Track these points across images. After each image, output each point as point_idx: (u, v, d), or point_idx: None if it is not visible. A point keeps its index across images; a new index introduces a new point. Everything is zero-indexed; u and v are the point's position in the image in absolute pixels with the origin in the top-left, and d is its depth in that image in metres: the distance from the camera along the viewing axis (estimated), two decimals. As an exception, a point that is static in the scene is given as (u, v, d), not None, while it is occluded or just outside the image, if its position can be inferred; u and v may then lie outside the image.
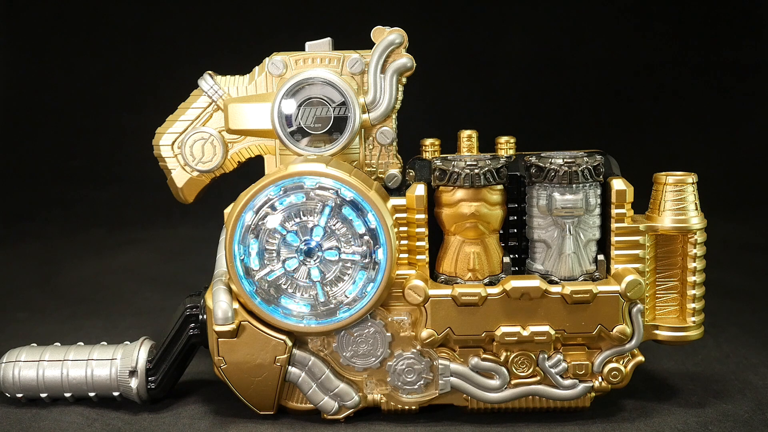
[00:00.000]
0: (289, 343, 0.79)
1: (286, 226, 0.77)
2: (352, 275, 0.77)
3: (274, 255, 0.77)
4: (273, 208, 0.77)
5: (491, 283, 0.78)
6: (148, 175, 1.12)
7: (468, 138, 0.83)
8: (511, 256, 0.82)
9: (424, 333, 0.78)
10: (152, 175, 0.98)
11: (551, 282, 0.78)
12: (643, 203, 0.80)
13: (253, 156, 0.84)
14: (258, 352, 0.79)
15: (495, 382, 0.79)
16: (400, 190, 0.82)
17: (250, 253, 0.77)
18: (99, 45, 1.99)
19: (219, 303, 0.77)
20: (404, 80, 0.81)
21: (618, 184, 0.78)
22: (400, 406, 0.81)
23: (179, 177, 0.85)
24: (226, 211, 0.78)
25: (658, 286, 0.82)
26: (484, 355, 0.79)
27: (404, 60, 0.80)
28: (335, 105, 0.79)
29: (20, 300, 1.24)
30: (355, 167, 0.81)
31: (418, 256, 0.79)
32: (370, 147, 0.82)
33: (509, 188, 0.80)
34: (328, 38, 0.82)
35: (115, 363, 0.84)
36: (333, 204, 0.76)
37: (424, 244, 0.79)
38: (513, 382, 0.79)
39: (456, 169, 0.76)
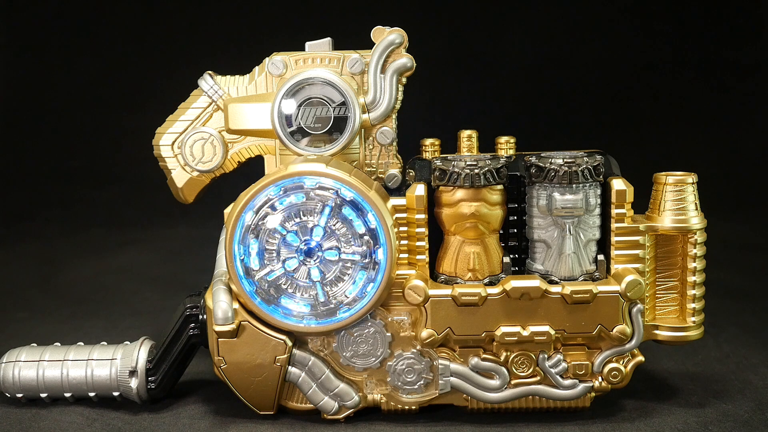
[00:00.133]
0: (289, 343, 0.79)
1: (286, 226, 0.77)
2: (352, 275, 0.77)
3: (274, 255, 0.77)
4: (273, 208, 0.77)
5: (491, 283, 0.78)
6: (148, 175, 1.11)
7: (468, 138, 0.83)
8: (511, 256, 0.82)
9: (424, 333, 0.78)
10: (152, 175, 0.98)
11: (551, 282, 0.78)
12: (643, 203, 0.80)
13: (253, 156, 0.84)
14: (258, 352, 0.79)
15: (495, 382, 0.79)
16: (400, 190, 0.82)
17: (250, 253, 0.77)
18: (99, 45, 1.99)
19: (219, 303, 0.77)
20: (404, 80, 0.81)
21: (618, 184, 0.78)
22: (400, 406, 0.81)
23: (179, 177, 0.85)
24: (226, 211, 0.78)
25: (658, 286, 0.82)
26: (484, 355, 0.79)
27: (404, 60, 0.80)
28: (335, 105, 0.79)
29: (20, 300, 1.24)
30: (355, 167, 0.81)
31: (418, 256, 0.79)
32: (370, 147, 0.82)
33: (509, 188, 0.80)
34: (328, 38, 0.82)
35: (115, 363, 0.84)
36: (333, 204, 0.76)
37: (424, 244, 0.79)
38: (513, 382, 0.79)
39: (456, 169, 0.76)
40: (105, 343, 0.88)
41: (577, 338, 0.78)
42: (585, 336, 0.78)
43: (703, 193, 0.80)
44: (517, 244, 0.83)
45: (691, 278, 0.80)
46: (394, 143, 0.82)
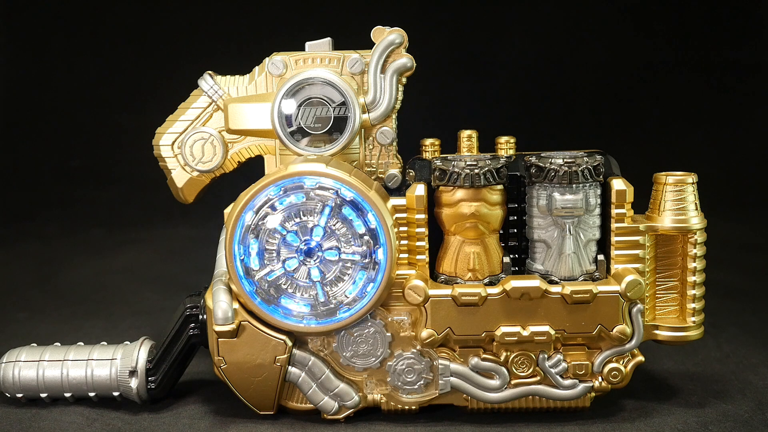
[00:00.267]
0: (289, 343, 0.79)
1: (286, 226, 0.77)
2: (352, 275, 0.77)
3: (274, 255, 0.77)
4: (273, 208, 0.77)
5: (491, 283, 0.78)
6: (148, 175, 1.12)
7: (468, 138, 0.83)
8: (511, 256, 0.82)
9: (424, 333, 0.78)
10: (152, 175, 0.98)
11: (551, 282, 0.78)
12: (643, 203, 0.80)
13: (253, 156, 0.84)
14: (258, 352, 0.79)
15: (495, 382, 0.79)
16: (400, 190, 0.82)
17: (250, 253, 0.77)
18: (99, 45, 1.99)
19: (219, 303, 0.77)
20: (404, 80, 0.81)
21: (618, 184, 0.78)
22: (400, 406, 0.81)
23: (179, 177, 0.85)
24: (226, 211, 0.78)
25: (658, 286, 0.82)
26: (484, 355, 0.79)
27: (404, 60, 0.80)
28: (335, 105, 0.79)
29: (20, 300, 1.24)
30: (355, 167, 0.81)
31: (418, 256, 0.79)
32: (370, 147, 0.82)
33: (509, 188, 0.80)
34: (328, 38, 0.82)
35: (115, 363, 0.84)
36: (333, 204, 0.76)
37: (424, 244, 0.79)
38: (513, 382, 0.79)
39: (456, 169, 0.76)
40: (105, 343, 0.88)
41: (577, 338, 0.78)
42: (585, 336, 0.78)
43: (703, 193, 0.80)
44: (517, 244, 0.83)
45: (691, 278, 0.80)
46: (394, 143, 0.82)
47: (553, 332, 0.77)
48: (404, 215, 0.79)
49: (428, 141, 0.83)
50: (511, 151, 0.83)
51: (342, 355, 0.80)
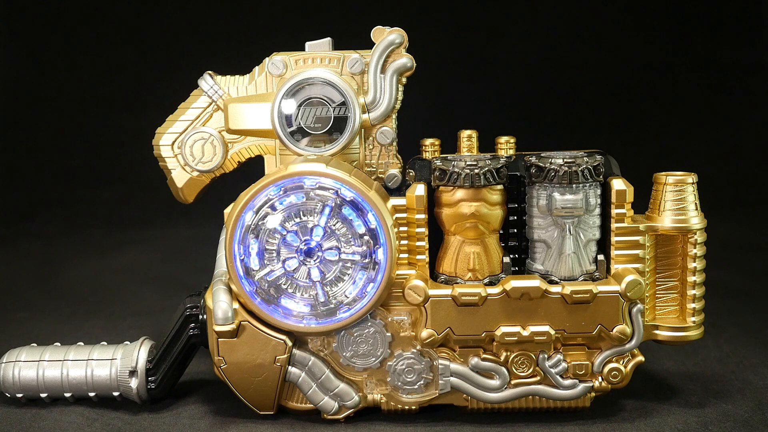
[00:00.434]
0: (289, 343, 0.79)
1: (286, 226, 0.77)
2: (352, 275, 0.77)
3: (274, 255, 0.77)
4: (273, 208, 0.77)
5: (491, 283, 0.78)
6: (148, 175, 1.12)
7: (468, 138, 0.83)
8: (511, 256, 0.82)
9: (424, 333, 0.78)
10: (152, 175, 0.98)
11: (551, 282, 0.78)
12: (643, 203, 0.80)
13: (253, 156, 0.84)
14: (258, 352, 0.79)
15: (495, 382, 0.79)
16: (400, 190, 0.82)
17: (250, 253, 0.77)
18: (99, 45, 1.99)
19: (219, 303, 0.77)
20: (404, 80, 0.81)
21: (618, 184, 0.78)
22: (400, 406, 0.81)
23: (179, 177, 0.85)
24: (226, 211, 0.78)
25: (658, 286, 0.82)
26: (484, 355, 0.79)
27: (404, 60, 0.80)
28: (335, 105, 0.79)
29: (20, 300, 1.24)
30: (355, 167, 0.81)
31: (418, 256, 0.79)
32: (370, 147, 0.82)
33: (509, 188, 0.80)
34: (328, 38, 0.82)
35: (115, 363, 0.84)
36: (333, 204, 0.76)
37: (424, 244, 0.79)
38: (513, 382, 0.79)
39: (456, 169, 0.76)
40: (105, 343, 0.88)
41: (577, 338, 0.78)
42: (585, 336, 0.78)
43: (703, 193, 0.80)
44: (517, 244, 0.83)
45: (691, 278, 0.80)
46: (394, 143, 0.82)
47: (553, 332, 0.77)
48: (404, 215, 0.79)
49: (428, 141, 0.83)
50: (511, 151, 0.83)
51: (342, 355, 0.80)
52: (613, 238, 0.78)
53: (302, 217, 0.77)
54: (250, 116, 0.82)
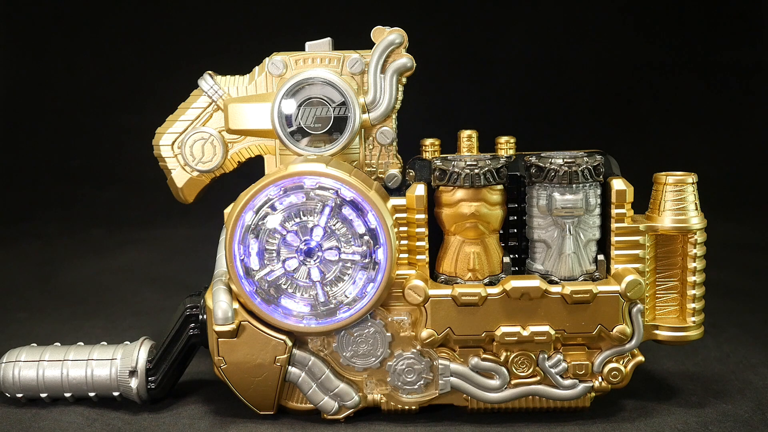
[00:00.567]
0: (289, 343, 0.79)
1: (286, 226, 0.77)
2: (352, 275, 0.77)
3: (274, 255, 0.77)
4: (273, 208, 0.77)
5: (491, 283, 0.78)
6: (148, 175, 1.12)
7: (468, 138, 0.83)
8: (511, 256, 0.82)
9: (424, 333, 0.78)
10: (152, 175, 0.98)
11: (551, 282, 0.78)
12: (643, 203, 0.80)
13: (253, 156, 0.84)
14: (258, 352, 0.79)
15: (495, 382, 0.79)
16: (400, 190, 0.82)
17: (250, 253, 0.77)
18: (99, 45, 1.99)
19: (219, 303, 0.77)
20: (404, 80, 0.81)
21: (618, 184, 0.78)
22: (400, 406, 0.81)
23: (179, 177, 0.85)
24: (226, 211, 0.78)
25: (658, 286, 0.82)
26: (484, 355, 0.79)
27: (404, 60, 0.80)
28: (335, 105, 0.79)
29: (20, 300, 1.24)
30: (355, 167, 0.81)
31: (418, 256, 0.79)
32: (370, 147, 0.82)
33: (509, 188, 0.80)
34: (328, 38, 0.82)
35: (115, 363, 0.84)
36: (333, 204, 0.76)
37: (424, 244, 0.79)
38: (513, 382, 0.79)
39: (456, 169, 0.76)
40: (105, 343, 0.88)
41: (577, 338, 0.78)
42: (585, 336, 0.78)
43: (703, 193, 0.80)
44: (517, 244, 0.83)
45: (691, 278, 0.80)
46: (394, 143, 0.82)
47: (553, 332, 0.77)
48: (404, 215, 0.79)
49: (428, 141, 0.83)
50: (511, 151, 0.83)
51: (342, 355, 0.80)
52: (613, 238, 0.78)
53: (302, 217, 0.77)
54: (250, 116, 0.82)
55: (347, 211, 0.76)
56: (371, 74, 0.80)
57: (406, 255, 0.79)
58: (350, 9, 1.88)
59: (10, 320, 1.14)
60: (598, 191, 0.78)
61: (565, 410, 0.81)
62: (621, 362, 0.79)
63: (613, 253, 0.79)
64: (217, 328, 0.78)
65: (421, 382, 0.80)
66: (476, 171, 0.76)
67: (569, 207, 0.77)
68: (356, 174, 0.78)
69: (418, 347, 0.80)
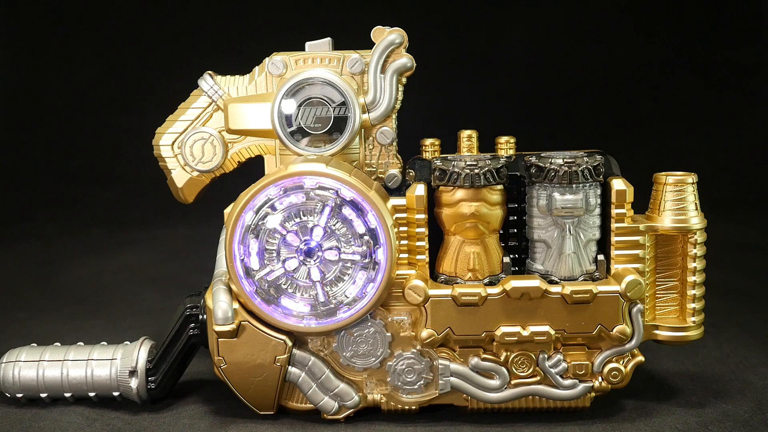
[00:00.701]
0: (289, 343, 0.79)
1: (286, 226, 0.77)
2: (352, 275, 0.77)
3: (274, 255, 0.77)
4: (273, 208, 0.77)
5: (491, 283, 0.78)
6: (148, 175, 1.12)
7: (468, 138, 0.83)
8: (511, 256, 0.82)
9: (424, 333, 0.78)
10: (152, 175, 0.98)
11: (551, 282, 0.78)
12: (643, 203, 0.80)
13: (253, 156, 0.84)
14: (258, 352, 0.79)
15: (495, 382, 0.79)
16: (400, 190, 0.82)
17: (250, 253, 0.77)
18: (99, 45, 1.99)
19: (219, 303, 0.77)
20: (404, 80, 0.81)
21: (618, 184, 0.78)
22: (400, 406, 0.81)
23: (179, 177, 0.85)
24: (226, 211, 0.78)
25: (658, 286, 0.82)
26: (484, 355, 0.79)
27: (404, 60, 0.80)
28: (335, 105, 0.79)
29: (20, 300, 1.24)
30: (355, 167, 0.81)
31: (418, 256, 0.79)
32: (370, 147, 0.82)
33: (509, 188, 0.80)
34: (328, 38, 0.82)
35: (115, 363, 0.84)
36: (333, 204, 0.76)
37: (424, 244, 0.79)
38: (513, 382, 0.79)
39: (456, 169, 0.76)
40: (105, 343, 0.88)
41: (577, 338, 0.78)
42: (585, 336, 0.78)
43: (703, 193, 0.80)
44: (517, 244, 0.83)
45: (691, 278, 0.80)
46: (394, 143, 0.82)
47: (553, 332, 0.77)
48: (404, 215, 0.79)
49: (428, 141, 0.83)
50: (511, 151, 0.83)
51: (342, 355, 0.80)
52: (613, 238, 0.78)
53: (302, 217, 0.77)
54: (250, 116, 0.82)
55: (347, 211, 0.76)
56: (371, 74, 0.80)
57: (406, 255, 0.79)
58: (350, 9, 1.88)
59: (10, 320, 1.14)
60: (598, 191, 0.78)
61: (565, 410, 0.81)
62: (621, 362, 0.79)
63: (613, 253, 0.79)
64: (217, 328, 0.78)
65: (421, 382, 0.80)
66: (476, 171, 0.76)
67: (569, 207, 0.77)
68: (356, 174, 0.78)
69: (418, 347, 0.80)
